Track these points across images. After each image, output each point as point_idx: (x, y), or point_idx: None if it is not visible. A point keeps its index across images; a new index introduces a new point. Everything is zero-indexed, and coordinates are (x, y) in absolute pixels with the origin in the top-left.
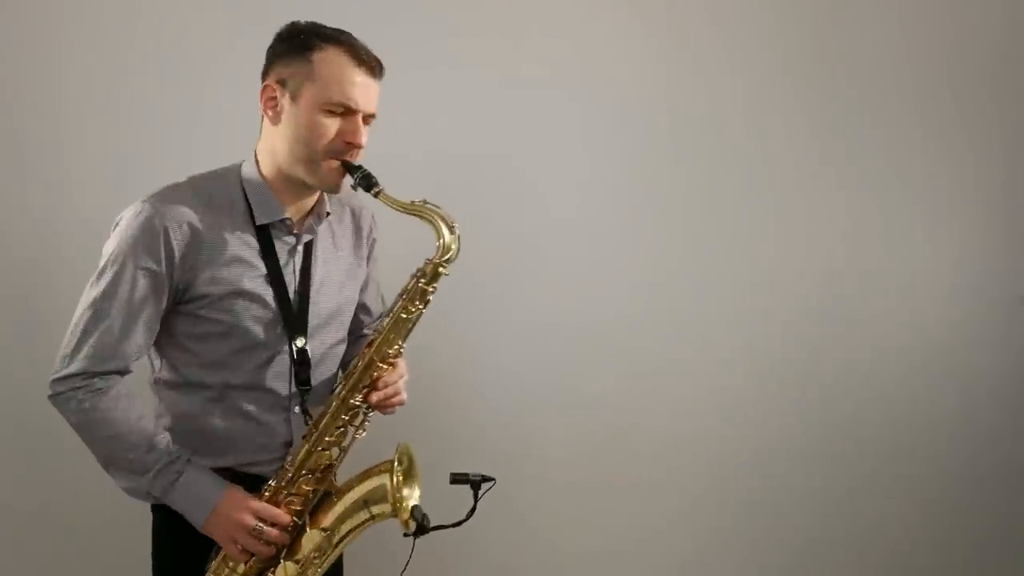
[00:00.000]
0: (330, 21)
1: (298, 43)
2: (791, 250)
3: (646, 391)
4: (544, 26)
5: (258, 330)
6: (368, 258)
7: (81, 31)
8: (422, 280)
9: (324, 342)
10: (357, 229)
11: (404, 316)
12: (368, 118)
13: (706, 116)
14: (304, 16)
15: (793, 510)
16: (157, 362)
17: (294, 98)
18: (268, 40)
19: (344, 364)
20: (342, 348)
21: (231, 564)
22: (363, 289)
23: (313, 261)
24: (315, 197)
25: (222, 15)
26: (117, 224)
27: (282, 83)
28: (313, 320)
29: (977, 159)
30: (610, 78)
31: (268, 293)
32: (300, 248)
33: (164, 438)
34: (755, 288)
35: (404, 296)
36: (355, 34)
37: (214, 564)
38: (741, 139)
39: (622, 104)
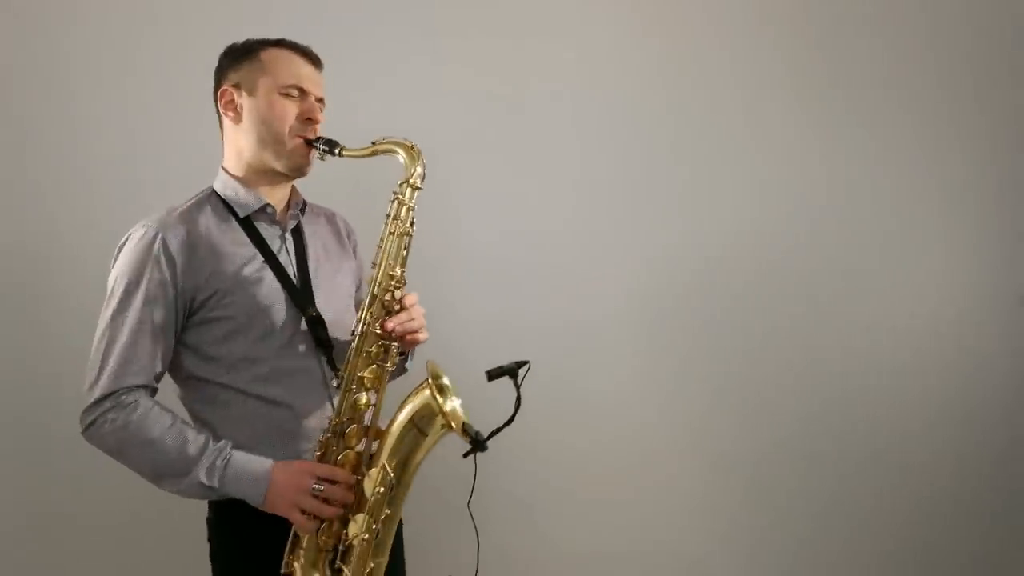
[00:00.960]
0: (329, 22)
1: (244, 50)
2: (789, 250)
3: (647, 391)
4: (541, 27)
5: (271, 311)
6: (355, 256)
7: (86, 34)
8: (400, 198)
9: (337, 312)
10: (336, 229)
11: (396, 238)
12: (319, 102)
13: (703, 115)
14: (306, 17)
15: (793, 509)
16: (189, 390)
17: (251, 92)
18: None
19: None
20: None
21: (303, 546)
22: (358, 288)
23: (304, 244)
24: (288, 189)
25: (228, 19)
26: (119, 251)
27: (236, 85)
28: (319, 295)
29: (977, 159)
30: (606, 78)
31: (270, 275)
32: (288, 235)
33: (202, 432)
34: (754, 289)
35: (389, 220)
36: (353, 36)
37: (288, 557)
38: (739, 140)
39: (617, 104)
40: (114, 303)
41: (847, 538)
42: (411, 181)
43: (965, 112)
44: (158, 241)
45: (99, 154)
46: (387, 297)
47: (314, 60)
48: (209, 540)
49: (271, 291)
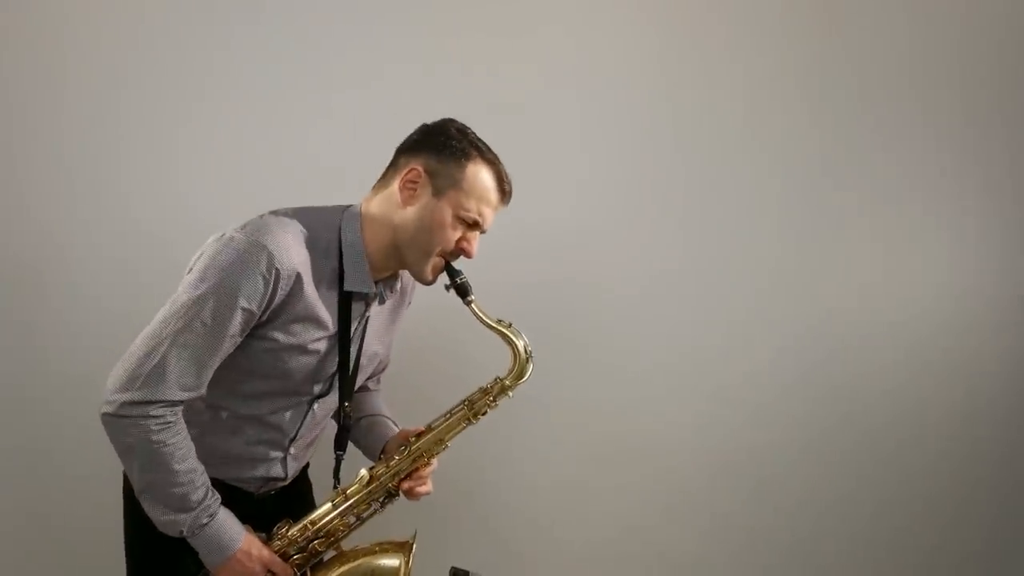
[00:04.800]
0: (327, 19)
1: (456, 146)
2: (790, 251)
3: (648, 391)
4: (542, 24)
5: (301, 382)
6: (399, 323)
7: (82, 35)
8: (488, 396)
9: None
10: (403, 296)
11: (461, 423)
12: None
13: (708, 117)
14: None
15: (792, 510)
16: None
17: (437, 194)
18: (265, 41)
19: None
20: None
21: None
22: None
23: (368, 328)
24: (395, 271)
25: (222, 18)
26: (220, 248)
27: (430, 174)
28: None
29: (977, 159)
30: (610, 77)
31: (328, 354)
32: (367, 314)
33: (206, 478)
34: (755, 289)
35: (467, 404)
36: (350, 30)
37: None
38: (743, 141)
39: (622, 103)
40: (203, 311)
41: (847, 537)
42: (508, 385)
43: (968, 111)
44: (273, 275)
45: (100, 156)
46: (423, 460)
47: (508, 196)
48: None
49: (319, 369)
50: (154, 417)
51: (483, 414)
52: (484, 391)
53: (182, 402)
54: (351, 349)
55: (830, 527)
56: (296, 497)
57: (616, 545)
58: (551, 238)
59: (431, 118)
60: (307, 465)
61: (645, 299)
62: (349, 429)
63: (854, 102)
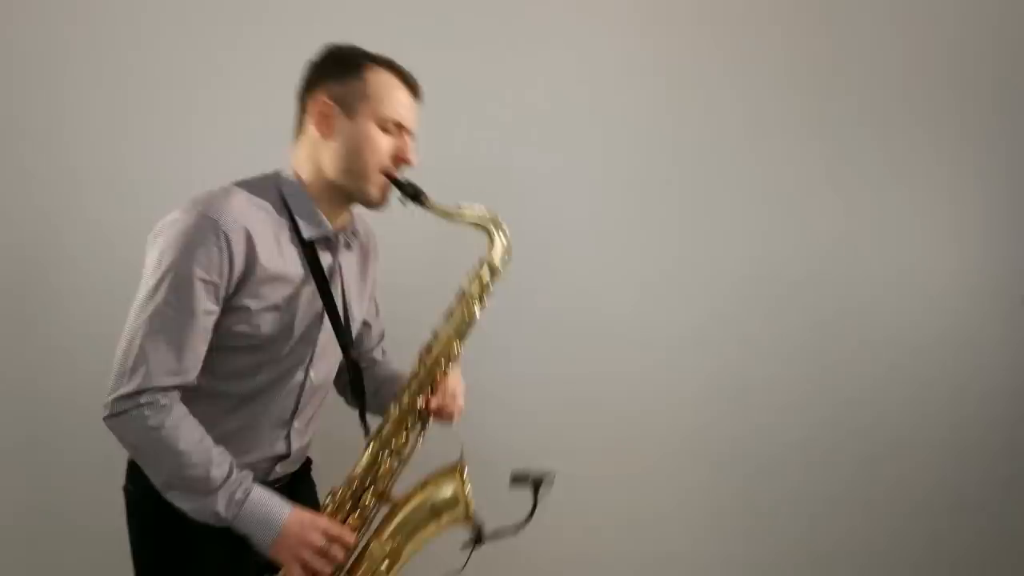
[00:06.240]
0: (328, 21)
1: (349, 63)
2: (790, 250)
3: (649, 389)
4: (548, 31)
5: (290, 345)
6: (370, 277)
7: (82, 30)
8: (481, 279)
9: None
10: (364, 249)
11: (464, 319)
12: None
13: (706, 117)
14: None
15: (789, 508)
16: None
17: (349, 114)
18: (267, 39)
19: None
20: None
21: None
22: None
23: (344, 277)
24: (349, 213)
25: (222, 16)
26: (165, 230)
27: (337, 100)
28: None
29: (977, 158)
30: (614, 80)
31: (306, 309)
32: (338, 264)
33: (227, 456)
34: (755, 288)
35: (465, 296)
36: (349, 33)
37: None
38: (740, 138)
39: (628, 106)
40: (163, 292)
41: (843, 536)
42: (495, 265)
43: (967, 110)
44: (223, 238)
45: (100, 152)
46: (440, 370)
47: (416, 89)
48: (129, 516)
49: (307, 323)
50: (145, 404)
51: (481, 301)
52: (475, 281)
53: (172, 387)
54: (338, 297)
55: (830, 526)
56: (302, 484)
57: (618, 545)
58: (552, 238)
59: (431, 122)
60: (309, 461)
61: (646, 298)
62: (361, 371)
63: (850, 102)
